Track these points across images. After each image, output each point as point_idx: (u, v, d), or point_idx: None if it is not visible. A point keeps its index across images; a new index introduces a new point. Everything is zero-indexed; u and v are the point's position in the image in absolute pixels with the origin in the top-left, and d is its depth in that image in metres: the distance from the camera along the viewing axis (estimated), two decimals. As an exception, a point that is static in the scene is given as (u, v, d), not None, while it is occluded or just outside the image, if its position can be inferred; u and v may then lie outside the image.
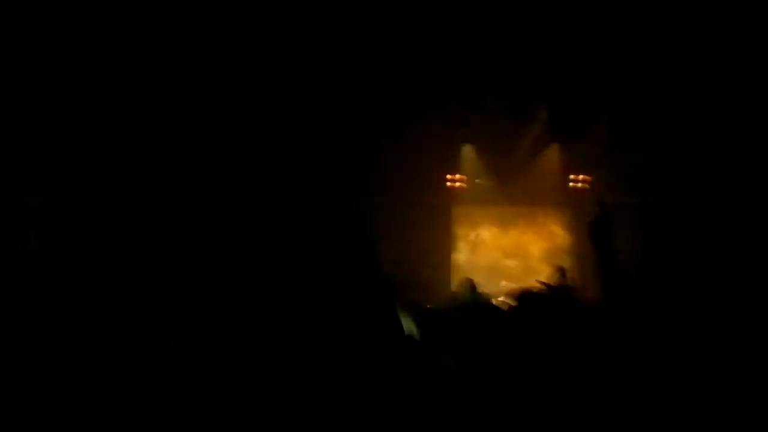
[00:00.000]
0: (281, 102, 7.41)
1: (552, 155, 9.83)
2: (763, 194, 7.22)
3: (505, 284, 6.28)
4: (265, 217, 7.89)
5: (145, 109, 6.21)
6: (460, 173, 10.15)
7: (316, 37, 5.96)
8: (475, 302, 6.09)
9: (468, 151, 10.03)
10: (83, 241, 5.61)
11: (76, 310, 4.57)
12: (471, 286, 7.49)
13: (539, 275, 9.74)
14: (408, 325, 4.22)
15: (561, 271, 8.16)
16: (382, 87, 7.44)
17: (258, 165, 7.87)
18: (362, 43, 6.21)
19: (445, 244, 10.09)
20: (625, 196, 9.00)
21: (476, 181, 10.40)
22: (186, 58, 5.91)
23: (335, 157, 9.11)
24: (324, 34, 5.97)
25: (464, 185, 10.17)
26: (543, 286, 2.93)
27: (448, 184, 10.12)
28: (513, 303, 2.47)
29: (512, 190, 10.31)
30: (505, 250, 10.47)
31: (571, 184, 9.79)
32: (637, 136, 8.41)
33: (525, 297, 2.35)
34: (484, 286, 8.16)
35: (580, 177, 9.69)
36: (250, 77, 6.73)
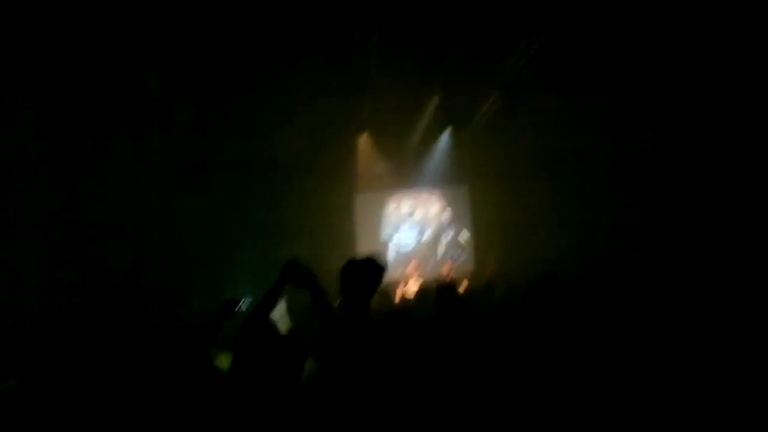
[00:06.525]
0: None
1: (446, 138, 10.03)
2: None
3: (412, 268, 6.33)
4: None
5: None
6: (358, 161, 10.07)
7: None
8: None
9: (365, 139, 9.96)
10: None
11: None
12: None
13: (444, 257, 9.95)
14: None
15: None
16: (272, 70, 7.02)
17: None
18: (250, 21, 5.82)
19: (348, 232, 9.98)
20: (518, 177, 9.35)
21: (375, 170, 10.36)
22: None
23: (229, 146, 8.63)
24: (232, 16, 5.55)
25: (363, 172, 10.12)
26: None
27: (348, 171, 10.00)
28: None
29: (410, 174, 10.39)
30: (407, 234, 10.55)
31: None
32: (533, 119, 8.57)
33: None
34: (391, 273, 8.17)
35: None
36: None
